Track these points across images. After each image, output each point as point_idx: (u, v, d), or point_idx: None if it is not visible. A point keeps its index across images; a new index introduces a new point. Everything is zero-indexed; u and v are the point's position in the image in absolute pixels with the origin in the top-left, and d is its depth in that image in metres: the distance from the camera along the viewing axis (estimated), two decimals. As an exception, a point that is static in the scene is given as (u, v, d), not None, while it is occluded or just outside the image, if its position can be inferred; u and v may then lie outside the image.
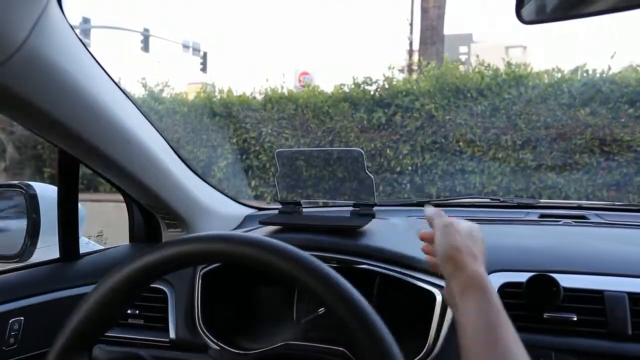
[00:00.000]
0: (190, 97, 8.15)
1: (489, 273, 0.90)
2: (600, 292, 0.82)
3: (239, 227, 1.35)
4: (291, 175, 1.18)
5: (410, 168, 6.32)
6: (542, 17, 0.59)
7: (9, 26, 0.63)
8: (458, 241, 0.71)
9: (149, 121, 1.05)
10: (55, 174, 1.10)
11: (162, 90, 8.35)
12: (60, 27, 0.74)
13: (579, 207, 1.38)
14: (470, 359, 0.58)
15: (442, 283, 0.88)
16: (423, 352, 0.86)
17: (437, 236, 0.74)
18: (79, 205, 1.14)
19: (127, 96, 0.96)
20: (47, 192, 1.14)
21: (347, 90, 6.67)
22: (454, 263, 0.68)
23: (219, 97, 7.37)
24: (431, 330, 0.87)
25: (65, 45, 0.76)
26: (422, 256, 0.92)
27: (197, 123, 7.28)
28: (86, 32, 12.66)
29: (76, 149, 0.95)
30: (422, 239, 0.82)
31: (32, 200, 1.12)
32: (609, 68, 5.85)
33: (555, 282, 0.82)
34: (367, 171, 1.05)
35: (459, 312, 0.64)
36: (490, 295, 0.63)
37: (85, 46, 0.83)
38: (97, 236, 4.20)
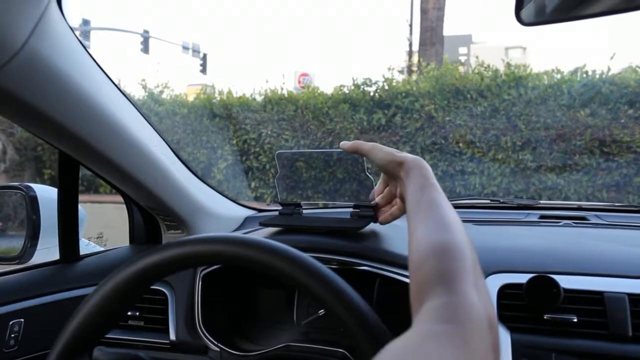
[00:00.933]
0: (190, 98, 8.15)
1: (489, 274, 0.90)
2: (601, 293, 0.82)
3: (238, 228, 1.35)
4: (291, 176, 1.18)
5: (410, 169, 6.32)
6: (542, 18, 0.59)
7: (9, 29, 0.63)
8: (387, 148, 0.84)
9: (149, 123, 1.05)
10: (55, 175, 1.10)
11: (161, 92, 8.36)
12: (60, 29, 0.74)
13: (579, 208, 1.38)
14: (412, 222, 0.63)
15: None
16: (423, 354, 0.86)
17: (372, 152, 0.87)
18: (79, 206, 1.14)
19: (126, 98, 0.96)
20: (47, 194, 1.14)
21: (347, 92, 6.68)
22: (395, 160, 0.80)
23: (218, 98, 7.38)
24: (431, 332, 0.86)
25: (65, 48, 0.76)
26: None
27: (196, 124, 7.29)
28: (86, 34, 12.68)
29: (76, 151, 0.95)
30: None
31: (33, 202, 1.12)
32: (609, 69, 5.86)
33: (555, 284, 0.82)
34: (367, 172, 1.05)
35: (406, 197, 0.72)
36: (427, 172, 0.74)
37: (85, 48, 0.83)
38: (97, 238, 4.20)
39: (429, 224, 0.59)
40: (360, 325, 0.53)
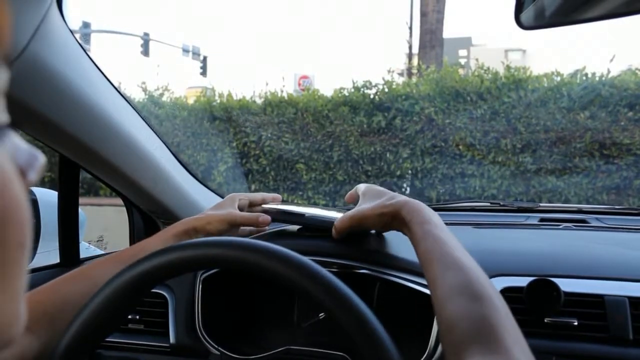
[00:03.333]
0: (190, 101, 8.16)
1: (489, 277, 0.90)
2: (601, 296, 0.82)
3: (239, 231, 1.35)
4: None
5: (410, 172, 6.33)
6: (541, 22, 0.60)
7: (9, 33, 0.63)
8: (371, 209, 0.82)
9: (149, 125, 1.05)
10: (55, 178, 1.11)
11: (161, 95, 8.36)
12: (61, 32, 0.75)
13: (579, 211, 1.38)
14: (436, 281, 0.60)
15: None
16: (423, 357, 0.86)
17: (363, 221, 0.84)
18: (79, 209, 1.14)
19: (127, 101, 0.97)
20: (47, 197, 1.15)
21: (347, 94, 6.69)
22: (386, 215, 0.78)
23: (218, 101, 7.38)
24: (432, 335, 0.86)
25: (65, 51, 0.76)
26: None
27: (197, 127, 7.29)
28: (86, 37, 12.70)
29: (76, 154, 0.95)
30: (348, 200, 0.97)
31: (33, 205, 1.12)
32: (608, 71, 5.86)
33: (555, 287, 0.82)
34: None
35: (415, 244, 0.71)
36: (430, 217, 0.71)
37: (85, 51, 0.84)
38: (98, 241, 4.19)
39: (447, 276, 0.58)
40: (360, 328, 0.53)
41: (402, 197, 0.79)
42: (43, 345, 0.66)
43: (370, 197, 0.85)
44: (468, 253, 0.64)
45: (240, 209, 0.97)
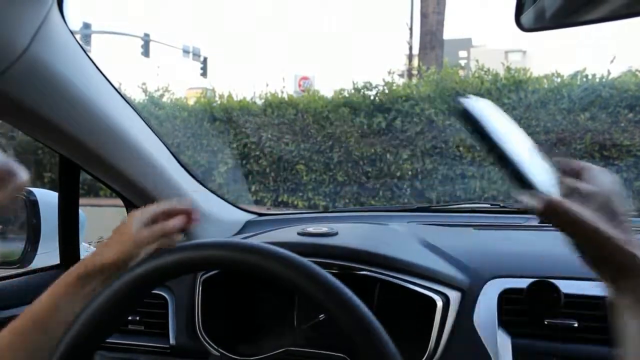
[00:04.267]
0: (191, 102, 8.17)
1: (489, 279, 0.90)
2: (601, 298, 0.82)
3: (239, 232, 1.35)
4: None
5: (410, 173, 6.33)
6: (541, 24, 0.59)
7: (11, 35, 0.63)
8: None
9: (149, 126, 1.05)
10: (55, 178, 1.11)
11: (162, 95, 8.37)
12: (61, 34, 0.75)
13: (580, 213, 1.37)
14: None
15: (442, 289, 0.88)
16: (424, 359, 0.86)
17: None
18: (80, 210, 1.14)
19: (127, 102, 0.97)
20: (47, 198, 1.14)
21: (347, 95, 6.69)
22: (623, 260, 0.51)
23: (219, 102, 7.39)
24: (432, 336, 0.86)
25: (66, 53, 0.76)
26: (422, 262, 0.92)
27: (197, 128, 7.29)
28: (87, 37, 12.70)
29: (76, 155, 0.95)
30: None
31: (33, 206, 1.12)
32: (609, 73, 5.86)
33: (556, 288, 0.82)
34: None
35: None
36: None
37: (85, 52, 0.84)
38: (98, 242, 4.19)
39: None
40: (360, 330, 0.53)
41: None
42: None
43: (601, 207, 0.54)
44: None
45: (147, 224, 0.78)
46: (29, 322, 0.73)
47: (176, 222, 0.78)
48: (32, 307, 0.75)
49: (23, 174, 0.30)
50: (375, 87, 6.67)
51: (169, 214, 0.79)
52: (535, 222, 1.30)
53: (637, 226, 1.22)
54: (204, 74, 14.92)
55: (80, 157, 0.96)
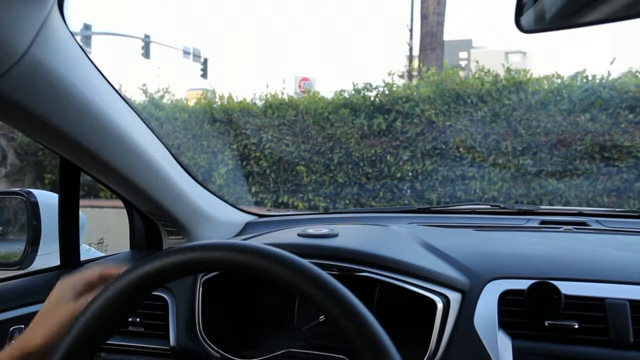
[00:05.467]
0: (191, 103, 8.16)
1: (490, 281, 0.90)
2: (602, 299, 0.82)
3: (239, 234, 1.35)
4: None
5: (410, 174, 6.33)
6: (541, 25, 0.60)
7: (11, 36, 0.63)
8: None
9: (149, 128, 1.05)
10: (55, 180, 1.11)
11: (162, 97, 8.37)
12: (62, 36, 0.75)
13: (580, 214, 1.38)
14: None
15: (442, 290, 0.88)
16: (424, 360, 0.86)
17: None
18: (80, 212, 1.14)
19: (127, 103, 0.97)
20: (48, 199, 1.15)
21: (348, 96, 6.69)
22: None
23: (219, 103, 7.38)
24: (432, 338, 0.86)
25: (66, 55, 0.76)
26: (422, 263, 0.92)
27: (197, 129, 7.29)
28: (87, 39, 12.71)
29: (77, 157, 0.95)
30: None
31: (33, 208, 1.12)
32: (609, 74, 5.86)
33: (556, 290, 0.82)
34: None
35: None
36: None
37: (86, 54, 0.84)
38: (98, 243, 4.19)
39: None
40: (361, 331, 0.53)
41: None
42: None
43: None
44: None
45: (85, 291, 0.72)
46: None
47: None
48: None
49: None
50: (376, 88, 6.66)
51: (105, 278, 0.72)
52: (535, 224, 1.30)
53: (637, 228, 1.22)
54: (204, 75, 14.92)
55: (80, 159, 0.96)
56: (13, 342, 0.68)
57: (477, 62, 6.61)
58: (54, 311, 0.68)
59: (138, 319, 1.04)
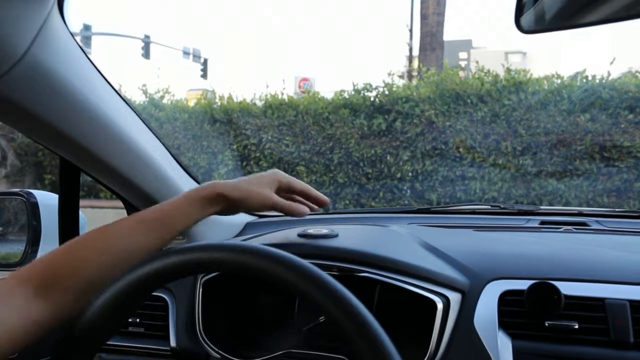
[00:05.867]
0: (191, 103, 8.17)
1: (490, 281, 0.90)
2: (602, 299, 0.82)
3: (239, 234, 1.35)
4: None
5: (410, 174, 6.33)
6: (541, 26, 0.60)
7: (11, 37, 0.64)
8: None
9: (149, 128, 1.05)
10: (55, 180, 1.11)
11: (162, 97, 8.38)
12: (62, 36, 0.75)
13: (580, 214, 1.38)
14: None
15: (442, 291, 0.88)
16: (424, 361, 0.86)
17: None
18: (80, 212, 1.14)
19: (127, 104, 0.97)
20: (48, 200, 1.14)
21: (347, 97, 6.69)
22: None
23: (219, 103, 7.38)
24: (432, 338, 0.86)
25: (66, 55, 0.76)
26: (422, 263, 0.92)
27: (197, 130, 7.29)
28: (87, 39, 12.71)
29: (77, 157, 0.95)
30: None
31: (33, 208, 1.12)
32: (609, 74, 5.86)
33: (556, 290, 0.82)
34: None
35: None
36: None
37: (86, 55, 0.84)
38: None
39: None
40: (361, 331, 0.53)
41: None
42: (56, 312, 0.64)
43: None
44: None
45: (277, 191, 0.88)
46: (157, 213, 0.77)
47: (303, 209, 0.88)
48: (144, 213, 0.78)
49: None
50: (376, 88, 6.66)
51: (305, 195, 0.91)
52: (535, 224, 1.30)
53: (637, 229, 1.22)
54: (204, 75, 14.95)
55: (80, 159, 0.96)
56: (219, 182, 0.82)
57: (477, 62, 6.62)
58: (260, 186, 0.84)
59: (138, 320, 1.04)
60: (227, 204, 0.82)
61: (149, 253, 0.73)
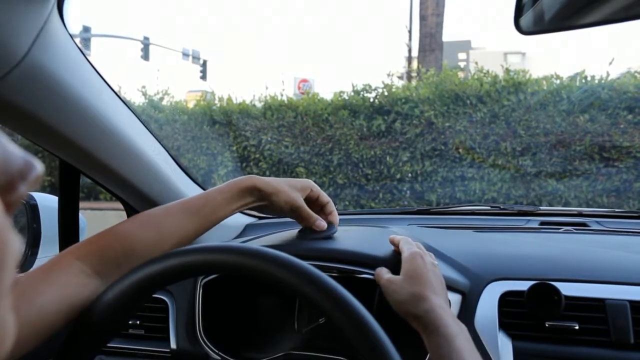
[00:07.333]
0: (190, 105, 8.16)
1: (490, 282, 0.90)
2: (602, 300, 0.82)
3: (239, 236, 1.35)
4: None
5: (410, 175, 6.33)
6: (541, 27, 0.60)
7: (11, 39, 0.64)
8: (424, 278, 0.75)
9: (149, 130, 1.05)
10: (55, 182, 1.11)
11: (161, 99, 8.38)
12: (61, 38, 0.75)
13: (580, 215, 1.38)
14: None
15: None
16: (424, 362, 0.86)
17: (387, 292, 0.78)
18: (80, 214, 1.14)
19: (126, 105, 0.97)
20: (47, 202, 1.14)
21: (347, 98, 6.69)
22: (410, 315, 0.73)
23: (218, 105, 7.38)
24: (432, 340, 0.86)
25: (66, 57, 0.76)
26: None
27: (196, 131, 7.29)
28: (86, 41, 12.72)
29: (76, 159, 0.95)
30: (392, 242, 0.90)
31: (33, 210, 1.12)
32: (608, 74, 5.86)
33: (556, 291, 0.82)
34: None
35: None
36: (448, 336, 0.66)
37: (85, 57, 0.84)
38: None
39: None
40: (361, 333, 0.53)
41: (433, 307, 0.71)
42: None
43: (408, 278, 0.77)
44: None
45: (306, 200, 0.91)
46: (202, 200, 0.80)
47: (322, 224, 0.91)
48: (187, 200, 0.80)
49: (40, 166, 0.31)
50: (375, 89, 6.66)
51: (325, 211, 0.94)
52: (535, 225, 1.30)
53: (637, 229, 1.22)
54: (204, 77, 14.95)
55: (80, 161, 0.96)
56: (254, 177, 0.84)
57: (476, 63, 6.62)
58: (293, 189, 0.87)
59: (138, 322, 1.04)
60: (260, 197, 0.85)
61: (195, 237, 0.77)
